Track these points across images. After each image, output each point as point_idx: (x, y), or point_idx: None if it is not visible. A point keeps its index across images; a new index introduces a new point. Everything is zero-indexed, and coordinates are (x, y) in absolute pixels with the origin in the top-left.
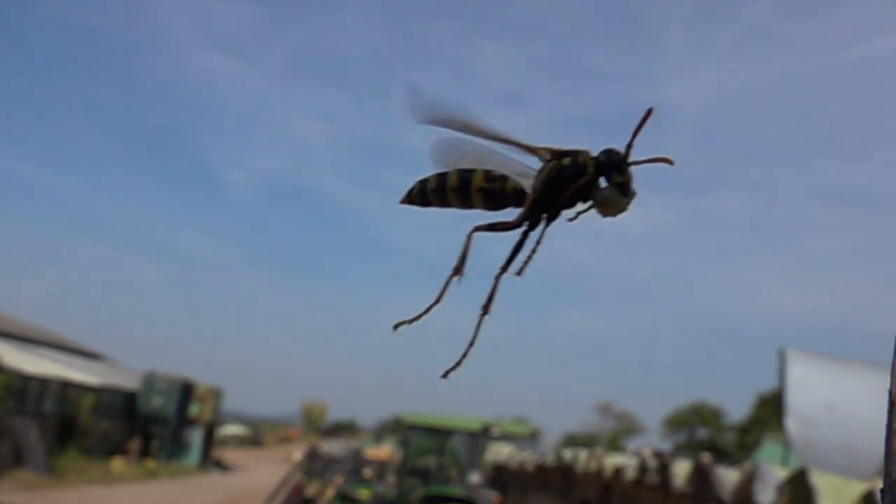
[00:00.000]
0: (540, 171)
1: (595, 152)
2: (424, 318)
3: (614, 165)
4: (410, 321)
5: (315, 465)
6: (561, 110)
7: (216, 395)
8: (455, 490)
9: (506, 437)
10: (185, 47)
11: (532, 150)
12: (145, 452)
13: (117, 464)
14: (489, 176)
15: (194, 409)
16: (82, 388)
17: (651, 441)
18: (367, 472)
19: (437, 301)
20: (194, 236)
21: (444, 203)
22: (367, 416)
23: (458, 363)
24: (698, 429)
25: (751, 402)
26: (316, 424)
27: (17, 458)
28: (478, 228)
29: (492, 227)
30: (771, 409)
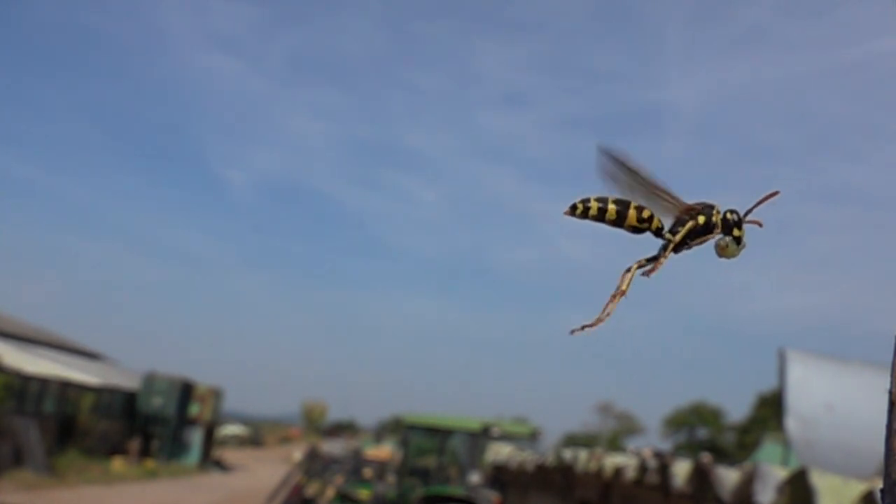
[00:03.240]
0: (679, 223)
1: (721, 209)
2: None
3: (736, 224)
4: (592, 325)
5: (315, 465)
6: (561, 110)
7: (216, 395)
8: (455, 490)
9: (506, 437)
10: (185, 47)
11: (674, 204)
12: (145, 452)
13: (117, 464)
14: (640, 217)
15: (194, 409)
16: (82, 388)
17: (651, 441)
18: (367, 472)
19: (600, 320)
20: (194, 236)
21: (600, 222)
22: (367, 416)
23: (594, 324)
24: (698, 429)
25: (751, 402)
26: (316, 424)
27: (17, 458)
28: (639, 263)
29: (647, 260)
30: (771, 409)
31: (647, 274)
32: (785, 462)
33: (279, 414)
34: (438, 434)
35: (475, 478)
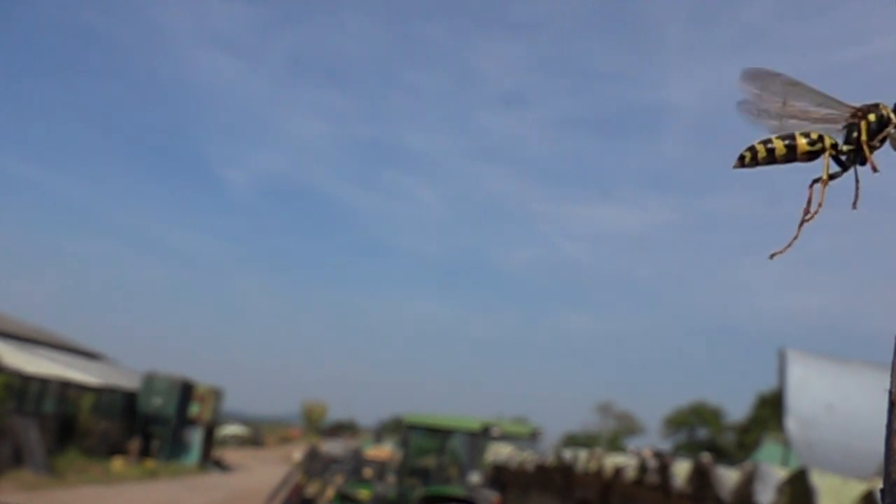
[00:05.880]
0: (851, 130)
1: (889, 104)
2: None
3: None
4: (783, 251)
5: (315, 465)
6: (561, 110)
7: (216, 395)
8: (455, 490)
9: (506, 437)
10: (184, 47)
11: (838, 112)
12: (145, 452)
13: (117, 464)
14: (810, 140)
15: (194, 409)
16: (82, 388)
17: (651, 441)
18: (367, 472)
19: (796, 238)
20: (194, 236)
21: (771, 163)
22: (367, 416)
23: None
24: (698, 429)
25: (751, 402)
26: (316, 424)
27: (17, 458)
28: (820, 180)
29: (831, 176)
30: (771, 409)
31: (854, 205)
32: (785, 462)
33: (279, 414)
34: (438, 434)
35: (475, 478)
